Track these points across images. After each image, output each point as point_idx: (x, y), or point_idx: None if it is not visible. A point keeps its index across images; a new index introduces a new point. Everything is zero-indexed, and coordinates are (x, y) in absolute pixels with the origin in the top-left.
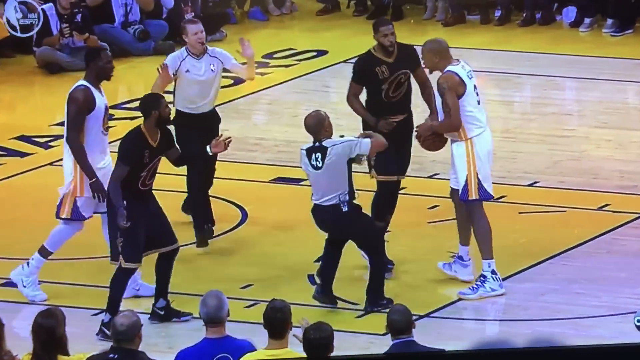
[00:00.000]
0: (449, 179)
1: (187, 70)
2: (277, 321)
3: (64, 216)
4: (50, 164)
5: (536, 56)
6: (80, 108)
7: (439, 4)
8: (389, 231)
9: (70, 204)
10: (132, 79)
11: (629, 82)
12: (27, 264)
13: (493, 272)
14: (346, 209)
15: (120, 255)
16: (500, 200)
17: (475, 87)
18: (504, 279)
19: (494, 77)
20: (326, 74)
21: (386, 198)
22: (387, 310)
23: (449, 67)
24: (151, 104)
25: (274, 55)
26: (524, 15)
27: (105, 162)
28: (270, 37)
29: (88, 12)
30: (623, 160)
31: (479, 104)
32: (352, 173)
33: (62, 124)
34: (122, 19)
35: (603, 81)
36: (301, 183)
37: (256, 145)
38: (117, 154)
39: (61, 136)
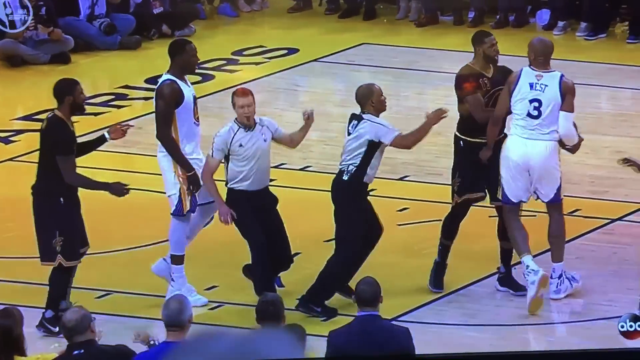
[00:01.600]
0: (419, 182)
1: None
2: (269, 314)
3: (187, 210)
4: (11, 159)
5: (509, 59)
6: (168, 103)
7: (412, 4)
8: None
9: (189, 197)
10: (97, 73)
11: (602, 87)
12: (172, 279)
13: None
14: (346, 177)
15: (60, 255)
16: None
17: None
18: (472, 284)
19: None
20: (296, 73)
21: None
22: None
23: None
24: (65, 89)
25: (244, 53)
26: (498, 17)
27: (200, 154)
28: (240, 34)
29: (53, 4)
30: (594, 165)
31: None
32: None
33: (24, 118)
34: (88, 11)
35: (576, 85)
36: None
37: None
38: (45, 149)
39: (23, 131)
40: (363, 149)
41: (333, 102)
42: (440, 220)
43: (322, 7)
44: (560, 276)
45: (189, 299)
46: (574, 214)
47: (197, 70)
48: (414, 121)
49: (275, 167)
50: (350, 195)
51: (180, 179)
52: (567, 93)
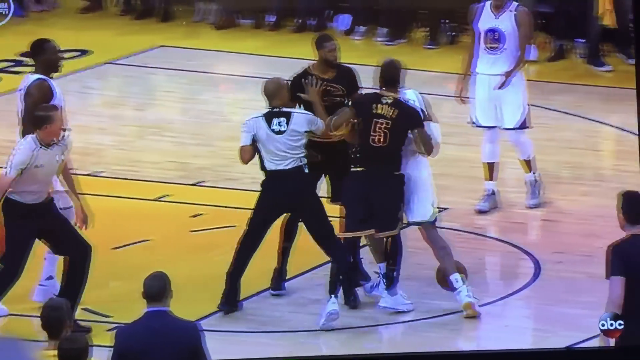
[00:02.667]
0: (214, 187)
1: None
2: (53, 320)
3: None
4: None
5: (310, 63)
6: (36, 101)
7: (210, 6)
8: (147, 240)
9: None
10: None
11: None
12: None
13: None
14: (307, 170)
15: None
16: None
17: None
18: (263, 291)
19: None
20: (89, 75)
21: None
22: None
23: None
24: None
25: None
26: (297, 21)
27: None
28: (28, 35)
29: None
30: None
31: None
32: None
33: None
34: None
35: (371, 90)
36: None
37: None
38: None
39: None
40: (304, 140)
41: (127, 105)
42: (235, 226)
43: (116, 8)
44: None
45: None
46: None
47: None
48: (211, 126)
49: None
50: (315, 186)
51: None
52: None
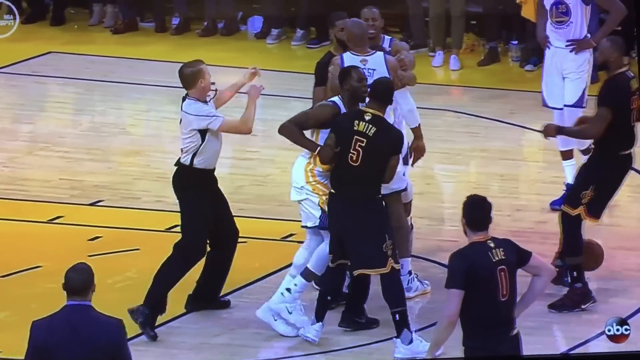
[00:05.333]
0: (113, 207)
1: None
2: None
3: None
4: None
5: (218, 69)
6: None
7: (107, 8)
8: (39, 267)
9: None
10: None
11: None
12: None
13: None
14: None
15: None
16: (173, 230)
17: None
18: (173, 319)
19: (170, 91)
20: None
21: None
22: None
23: None
24: None
25: None
26: (205, 24)
27: None
28: None
29: None
30: None
31: None
32: None
33: None
34: None
35: (293, 98)
36: None
37: None
38: None
39: None
40: None
41: (14, 118)
42: (138, 249)
43: (1, 10)
44: (410, 272)
45: None
46: (288, 239)
47: None
48: (109, 140)
49: None
50: None
51: None
52: (392, 70)
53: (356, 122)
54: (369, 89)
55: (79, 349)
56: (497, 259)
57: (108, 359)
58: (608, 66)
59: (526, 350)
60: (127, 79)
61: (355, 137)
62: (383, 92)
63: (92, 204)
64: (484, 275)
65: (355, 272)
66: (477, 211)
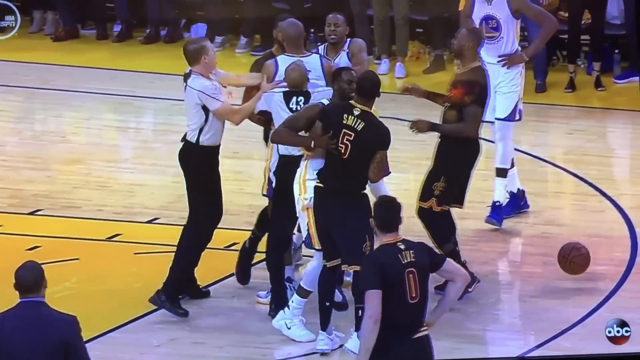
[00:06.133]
0: (52, 216)
1: None
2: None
3: None
4: None
5: (161, 77)
6: None
7: (48, 15)
8: None
9: None
10: None
11: None
12: None
13: None
14: None
15: None
16: (114, 239)
17: None
18: (109, 331)
19: (111, 99)
20: None
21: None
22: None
23: None
24: None
25: None
26: (147, 31)
27: None
28: None
29: None
30: (254, 194)
31: None
32: None
33: None
34: None
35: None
36: None
37: None
38: None
39: None
40: None
41: None
42: (78, 259)
43: None
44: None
45: None
46: (231, 247)
47: None
48: (49, 148)
49: None
50: None
51: None
52: (327, 73)
53: (345, 115)
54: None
55: (33, 344)
56: (406, 261)
57: (61, 356)
58: (463, 54)
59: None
60: (67, 86)
61: (344, 130)
62: (369, 88)
63: (31, 213)
64: (393, 277)
65: (329, 264)
66: (386, 212)
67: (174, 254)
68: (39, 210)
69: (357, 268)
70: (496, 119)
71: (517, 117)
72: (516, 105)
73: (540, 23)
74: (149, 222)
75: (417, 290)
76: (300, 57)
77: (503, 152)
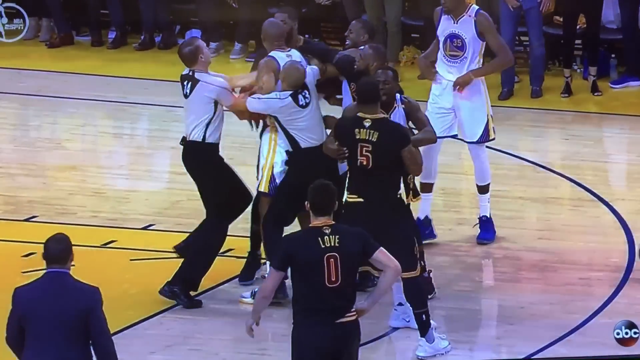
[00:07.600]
0: (48, 222)
1: None
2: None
3: None
4: None
5: (156, 83)
6: None
7: (42, 22)
8: None
9: None
10: None
11: None
12: None
13: None
14: None
15: None
16: (109, 245)
17: None
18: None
19: (107, 105)
20: None
21: None
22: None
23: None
24: None
25: None
26: (142, 37)
27: None
28: None
29: None
30: None
31: None
32: None
33: None
34: None
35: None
36: None
37: None
38: None
39: None
40: None
41: None
42: (73, 265)
43: None
44: None
45: None
46: (226, 254)
47: None
48: (44, 155)
49: None
50: None
51: None
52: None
53: (357, 130)
54: (355, 91)
55: (58, 310)
56: (327, 245)
57: (84, 322)
58: (368, 73)
59: None
60: (62, 93)
61: (360, 144)
62: (369, 93)
63: (26, 220)
64: (307, 259)
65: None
66: (318, 196)
67: (187, 253)
68: (34, 216)
69: (414, 274)
70: (470, 143)
71: (492, 135)
72: (487, 125)
73: (497, 53)
74: (144, 228)
75: (337, 275)
76: (286, 52)
77: (480, 169)
